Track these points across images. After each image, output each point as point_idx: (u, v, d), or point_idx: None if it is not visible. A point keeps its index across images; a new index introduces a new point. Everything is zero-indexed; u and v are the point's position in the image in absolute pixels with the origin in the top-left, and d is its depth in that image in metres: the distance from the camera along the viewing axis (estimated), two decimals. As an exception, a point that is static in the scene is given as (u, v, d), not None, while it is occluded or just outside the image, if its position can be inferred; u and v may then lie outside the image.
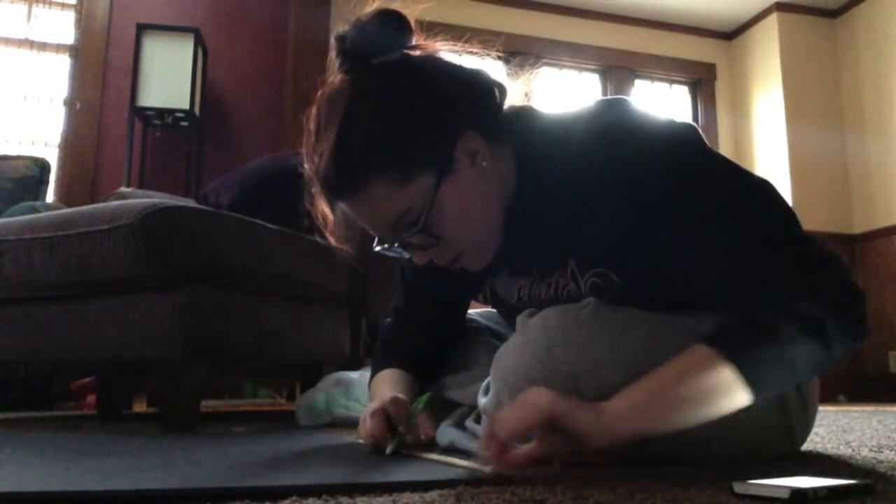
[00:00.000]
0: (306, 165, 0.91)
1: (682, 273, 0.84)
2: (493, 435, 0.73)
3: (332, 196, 0.90)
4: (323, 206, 0.94)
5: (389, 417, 0.95)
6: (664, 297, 0.87)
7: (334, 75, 0.90)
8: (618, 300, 0.88)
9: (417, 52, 0.90)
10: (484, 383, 0.94)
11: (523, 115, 0.95)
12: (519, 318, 0.89)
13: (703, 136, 0.89)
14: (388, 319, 1.21)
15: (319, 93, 0.90)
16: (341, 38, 0.88)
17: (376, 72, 0.87)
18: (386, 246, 0.92)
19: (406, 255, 0.94)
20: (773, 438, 0.92)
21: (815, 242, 0.79)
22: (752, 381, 0.73)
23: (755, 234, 0.79)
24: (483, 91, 0.93)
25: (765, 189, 0.84)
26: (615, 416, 0.73)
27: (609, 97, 0.92)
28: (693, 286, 0.84)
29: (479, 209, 0.90)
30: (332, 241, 0.98)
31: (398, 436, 0.95)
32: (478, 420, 1.01)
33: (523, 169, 0.92)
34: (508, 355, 0.85)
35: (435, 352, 1.15)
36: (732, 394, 0.73)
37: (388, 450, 0.94)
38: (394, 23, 0.89)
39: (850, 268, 0.84)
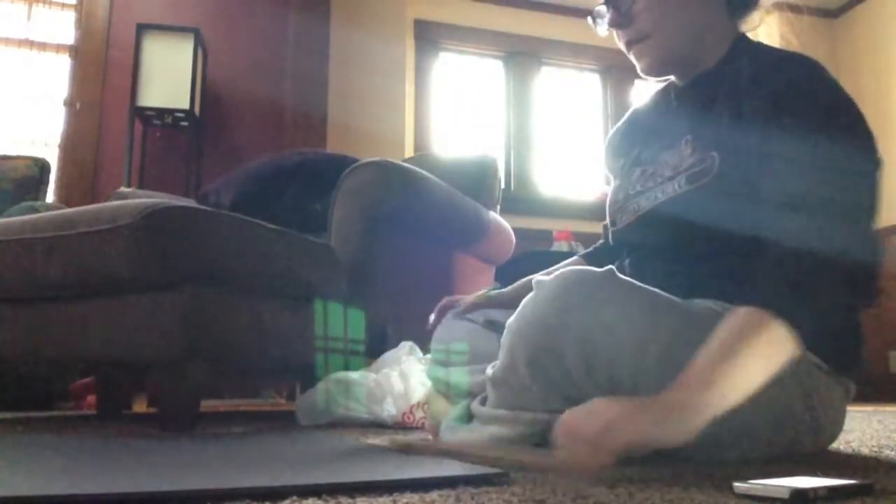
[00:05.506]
0: None
1: (766, 181, 0.92)
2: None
3: None
4: None
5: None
6: (744, 202, 0.93)
7: None
8: (706, 190, 0.96)
9: None
10: (490, 365, 0.99)
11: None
12: (534, 280, 0.94)
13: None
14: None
15: None
16: None
17: None
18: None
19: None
20: (802, 438, 0.94)
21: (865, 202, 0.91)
22: (799, 331, 0.79)
23: (829, 176, 0.89)
24: None
25: (865, 143, 0.98)
26: (687, 408, 0.73)
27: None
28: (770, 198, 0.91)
29: (674, 15, 1.04)
30: None
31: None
32: (483, 403, 1.03)
33: (735, 47, 1.08)
34: (526, 308, 0.90)
35: None
36: (784, 349, 0.79)
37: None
38: None
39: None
